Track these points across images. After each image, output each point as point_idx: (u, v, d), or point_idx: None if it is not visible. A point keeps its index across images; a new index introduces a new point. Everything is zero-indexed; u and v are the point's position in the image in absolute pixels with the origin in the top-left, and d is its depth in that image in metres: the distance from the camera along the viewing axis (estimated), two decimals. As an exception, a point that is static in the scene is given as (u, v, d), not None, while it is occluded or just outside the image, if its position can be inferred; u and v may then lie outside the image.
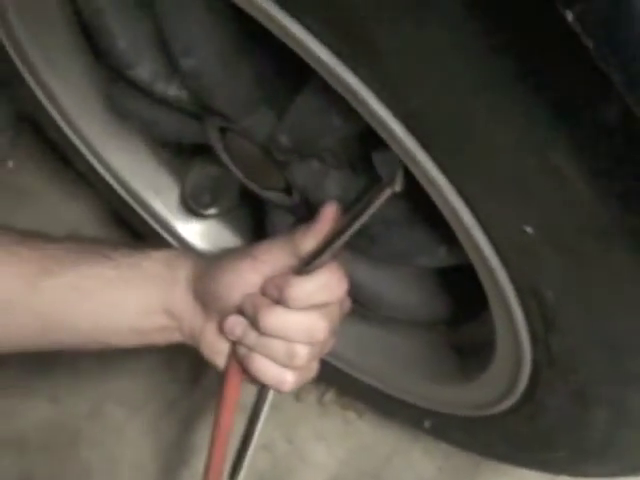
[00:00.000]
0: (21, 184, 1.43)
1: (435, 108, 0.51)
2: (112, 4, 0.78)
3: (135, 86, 0.84)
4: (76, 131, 1.05)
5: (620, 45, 0.35)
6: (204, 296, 0.77)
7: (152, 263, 0.77)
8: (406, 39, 0.48)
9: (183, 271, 0.78)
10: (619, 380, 0.66)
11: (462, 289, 0.83)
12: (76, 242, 0.79)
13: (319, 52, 0.53)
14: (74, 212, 1.41)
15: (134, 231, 1.22)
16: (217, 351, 0.79)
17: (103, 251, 0.77)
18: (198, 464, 1.15)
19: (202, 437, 1.21)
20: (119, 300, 0.76)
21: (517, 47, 0.43)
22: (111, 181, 1.09)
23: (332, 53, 0.53)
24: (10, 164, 1.45)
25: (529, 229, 0.55)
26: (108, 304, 0.76)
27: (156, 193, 1.10)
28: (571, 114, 0.44)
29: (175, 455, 1.21)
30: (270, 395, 0.80)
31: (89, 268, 0.75)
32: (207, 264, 0.78)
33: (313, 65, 0.56)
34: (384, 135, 0.57)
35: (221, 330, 0.76)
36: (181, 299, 0.77)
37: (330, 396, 1.27)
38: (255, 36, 0.62)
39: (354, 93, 0.54)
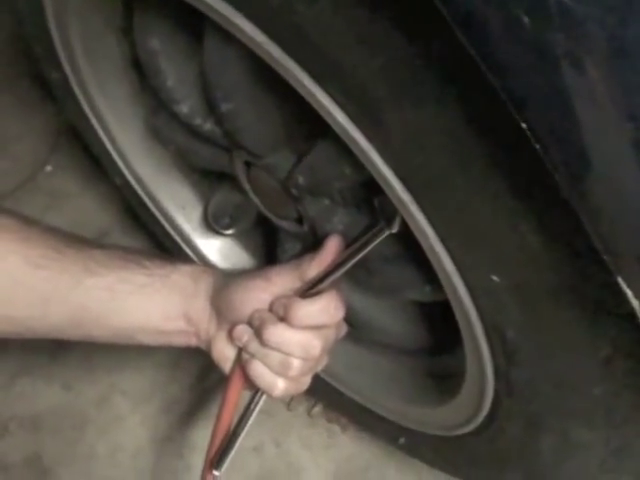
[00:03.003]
0: (56, 188, 1.53)
1: (427, 174, 0.62)
2: (165, 46, 0.89)
3: (176, 118, 0.95)
4: (115, 146, 1.14)
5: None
6: (220, 307, 0.87)
7: (180, 276, 0.88)
8: (407, 119, 0.59)
9: (204, 285, 0.88)
10: (564, 413, 0.76)
11: (443, 324, 0.91)
12: (117, 249, 0.89)
13: (340, 117, 0.64)
14: (103, 218, 1.50)
15: (157, 241, 1.32)
16: (225, 356, 0.89)
17: (139, 260, 0.87)
18: (191, 457, 1.26)
19: (198, 434, 1.30)
20: (148, 304, 0.86)
21: (491, 139, 0.55)
22: (142, 194, 1.19)
23: (350, 119, 0.64)
24: (48, 168, 1.54)
25: (495, 277, 0.65)
26: (138, 306, 0.86)
27: (181, 209, 1.19)
28: (534, 193, 0.56)
29: (171, 448, 1.30)
30: (262, 399, 0.90)
31: (126, 273, 0.85)
32: (226, 280, 0.88)
33: (332, 125, 0.66)
34: (386, 188, 0.67)
35: (230, 337, 0.86)
36: (200, 308, 0.87)
37: (318, 409, 1.35)
38: (284, 88, 0.70)
39: (364, 152, 0.65)
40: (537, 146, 0.46)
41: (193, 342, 0.91)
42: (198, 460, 1.23)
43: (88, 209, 1.51)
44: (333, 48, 0.60)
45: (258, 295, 0.85)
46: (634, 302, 0.52)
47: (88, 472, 1.26)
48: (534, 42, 0.42)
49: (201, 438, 1.29)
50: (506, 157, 0.55)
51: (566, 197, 0.48)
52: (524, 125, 0.46)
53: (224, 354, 0.89)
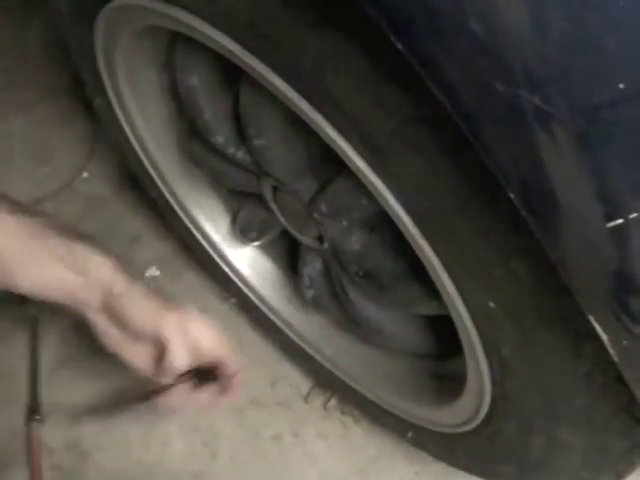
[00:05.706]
0: (92, 193, 1.62)
1: (433, 214, 0.72)
2: (203, 83, 0.99)
3: (210, 145, 1.05)
4: (152, 163, 1.24)
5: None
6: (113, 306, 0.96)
7: (94, 266, 0.95)
8: (416, 170, 0.69)
9: (103, 280, 0.95)
10: (551, 418, 0.86)
11: (448, 333, 0.96)
12: (57, 221, 0.97)
13: (358, 162, 0.74)
14: (135, 222, 1.59)
15: (186, 245, 1.42)
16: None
17: (70, 235, 0.94)
18: (217, 445, 1.36)
19: (222, 423, 1.39)
20: (55, 270, 0.93)
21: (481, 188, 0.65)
22: (175, 206, 1.29)
23: (367, 163, 0.74)
24: (85, 174, 1.64)
25: (492, 304, 0.75)
26: (48, 267, 0.93)
27: (211, 221, 1.29)
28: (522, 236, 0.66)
29: (198, 436, 1.39)
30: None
31: (51, 240, 0.92)
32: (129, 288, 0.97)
33: (351, 167, 0.77)
34: (397, 221, 0.77)
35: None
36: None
37: (333, 402, 1.44)
38: (309, 128, 0.79)
39: (378, 191, 0.75)
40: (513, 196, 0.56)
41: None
42: (223, 448, 1.36)
43: (121, 213, 1.61)
44: (355, 109, 0.70)
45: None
46: (603, 336, 0.62)
47: (123, 456, 1.37)
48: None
49: (226, 426, 1.40)
50: (494, 204, 0.64)
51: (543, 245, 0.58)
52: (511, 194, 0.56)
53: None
